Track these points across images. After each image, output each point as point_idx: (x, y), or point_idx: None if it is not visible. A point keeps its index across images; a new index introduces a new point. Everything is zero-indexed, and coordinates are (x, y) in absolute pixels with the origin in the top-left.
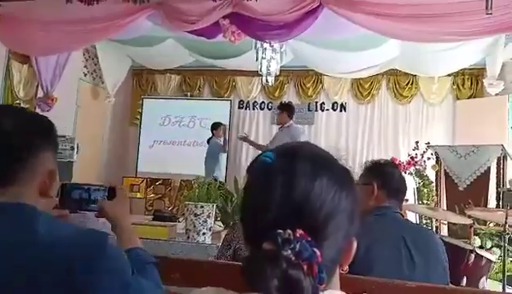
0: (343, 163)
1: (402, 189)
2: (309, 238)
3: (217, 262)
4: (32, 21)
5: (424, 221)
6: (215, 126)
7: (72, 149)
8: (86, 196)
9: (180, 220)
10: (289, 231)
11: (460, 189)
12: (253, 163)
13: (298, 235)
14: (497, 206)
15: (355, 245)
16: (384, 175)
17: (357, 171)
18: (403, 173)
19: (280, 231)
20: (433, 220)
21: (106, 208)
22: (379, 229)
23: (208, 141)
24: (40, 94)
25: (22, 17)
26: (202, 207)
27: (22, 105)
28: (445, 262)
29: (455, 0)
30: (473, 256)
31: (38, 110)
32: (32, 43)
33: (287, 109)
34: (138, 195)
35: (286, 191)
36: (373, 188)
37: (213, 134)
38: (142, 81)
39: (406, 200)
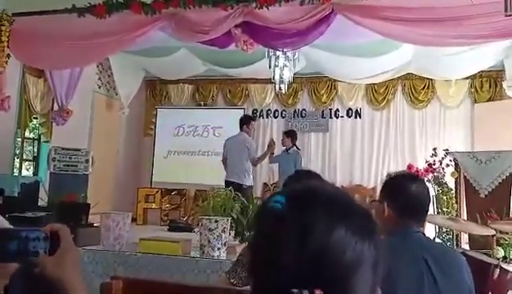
0: (362, 206)
1: (419, 205)
2: None
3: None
4: (45, 36)
5: (444, 230)
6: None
7: (87, 161)
8: (24, 247)
9: (195, 230)
10: (305, 292)
11: (481, 196)
12: (262, 210)
13: None
14: None
15: None
16: (394, 193)
17: (372, 180)
18: (415, 176)
19: (296, 291)
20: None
21: (48, 268)
22: (396, 249)
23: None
24: (55, 107)
25: (35, 32)
26: (216, 221)
27: (39, 119)
28: (470, 284)
29: (473, 2)
30: (498, 270)
31: (53, 124)
32: (46, 58)
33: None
34: (153, 206)
35: (300, 245)
36: (383, 207)
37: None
38: (156, 91)
39: None
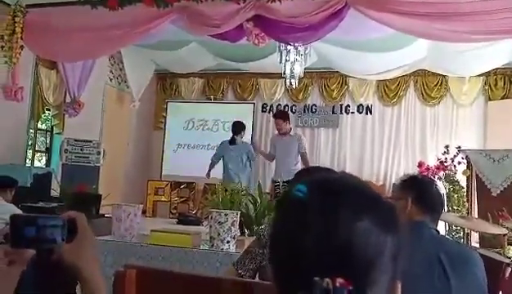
0: (386, 199)
1: (439, 204)
2: (350, 287)
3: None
4: (58, 28)
5: (454, 228)
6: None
7: (98, 153)
8: (41, 234)
9: (204, 223)
10: (327, 280)
11: (494, 195)
12: (285, 198)
13: (338, 285)
14: None
15: (399, 287)
16: (420, 190)
17: (381, 177)
18: (432, 177)
19: (318, 279)
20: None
21: (65, 255)
22: (411, 246)
23: None
24: (67, 99)
25: (49, 24)
26: (226, 214)
27: (51, 111)
28: (483, 283)
29: None
30: (509, 269)
31: (65, 116)
32: (58, 49)
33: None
34: (163, 198)
35: (325, 234)
36: (406, 203)
37: None
38: (166, 85)
39: None
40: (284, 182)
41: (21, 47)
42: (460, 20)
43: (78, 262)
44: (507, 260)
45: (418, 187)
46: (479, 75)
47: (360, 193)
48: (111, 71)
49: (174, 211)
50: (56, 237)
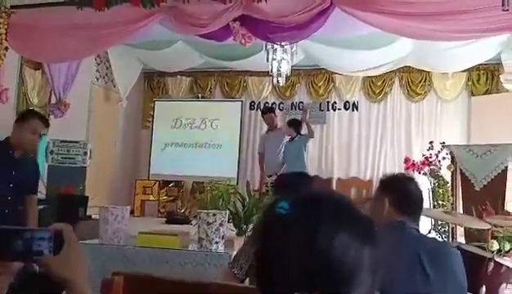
0: (364, 213)
1: (418, 204)
2: None
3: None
4: (43, 28)
5: (440, 222)
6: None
7: (85, 154)
8: (29, 247)
9: (193, 222)
10: None
11: (477, 189)
12: (267, 213)
13: None
14: None
15: None
16: (397, 190)
17: (369, 173)
18: (417, 173)
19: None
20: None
21: (53, 268)
22: (390, 246)
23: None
24: (53, 100)
25: (34, 24)
26: (214, 215)
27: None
28: (462, 279)
29: None
30: (492, 264)
31: (51, 117)
32: (44, 50)
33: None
34: (151, 198)
35: (305, 248)
36: (383, 204)
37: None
38: (153, 84)
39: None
40: (271, 184)
41: (6, 49)
42: (443, 19)
43: (65, 274)
44: (489, 255)
45: (395, 187)
46: (462, 71)
47: (340, 208)
48: (97, 70)
49: (163, 210)
50: (44, 249)
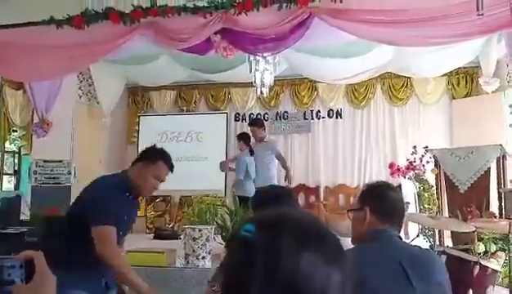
0: (332, 232)
1: (398, 211)
2: None
3: None
4: (23, 48)
5: (427, 226)
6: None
7: (69, 173)
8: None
9: (181, 237)
10: None
11: (461, 191)
12: (234, 238)
13: None
14: (499, 207)
15: None
16: (377, 199)
17: (356, 179)
18: (403, 178)
19: None
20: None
21: None
22: (373, 255)
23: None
24: (35, 119)
25: (13, 45)
26: (200, 230)
27: (18, 132)
28: (446, 285)
29: (445, 3)
30: (477, 267)
31: (34, 136)
32: (25, 70)
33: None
34: (139, 214)
35: (269, 272)
36: (365, 213)
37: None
38: (138, 98)
39: (408, 203)
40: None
41: None
42: (421, 25)
43: None
44: (475, 259)
45: (375, 196)
46: (442, 75)
47: (306, 228)
48: (80, 88)
49: (151, 226)
50: (15, 278)
